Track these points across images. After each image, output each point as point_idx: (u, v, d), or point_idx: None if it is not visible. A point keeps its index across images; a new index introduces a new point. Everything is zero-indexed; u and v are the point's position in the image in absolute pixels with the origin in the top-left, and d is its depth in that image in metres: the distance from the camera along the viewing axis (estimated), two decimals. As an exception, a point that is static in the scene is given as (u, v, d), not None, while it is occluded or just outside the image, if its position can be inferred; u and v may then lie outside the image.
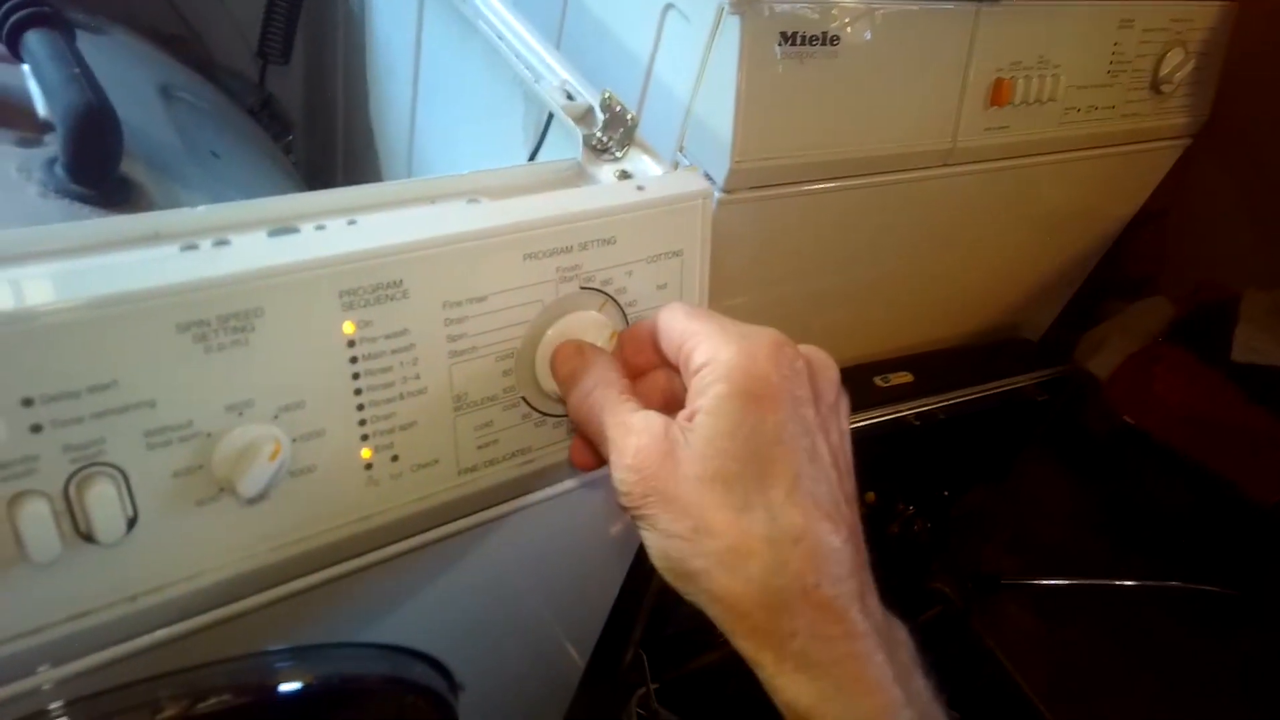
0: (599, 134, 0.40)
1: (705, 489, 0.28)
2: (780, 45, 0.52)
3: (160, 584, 0.30)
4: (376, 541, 0.36)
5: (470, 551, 0.42)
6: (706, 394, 0.29)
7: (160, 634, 0.33)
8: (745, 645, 0.29)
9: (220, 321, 0.28)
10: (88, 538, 0.28)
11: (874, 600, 0.30)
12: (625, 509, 0.31)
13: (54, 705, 0.35)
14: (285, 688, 0.41)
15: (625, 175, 0.39)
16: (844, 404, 0.33)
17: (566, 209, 0.35)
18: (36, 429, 0.26)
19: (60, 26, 0.44)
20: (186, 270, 0.28)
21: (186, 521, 0.30)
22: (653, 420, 0.30)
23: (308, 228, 0.32)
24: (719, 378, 0.29)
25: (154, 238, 0.30)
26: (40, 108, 0.43)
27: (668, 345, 0.33)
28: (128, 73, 0.53)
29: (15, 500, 0.26)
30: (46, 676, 0.32)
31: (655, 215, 0.37)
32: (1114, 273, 0.89)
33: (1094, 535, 1.03)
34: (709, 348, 0.30)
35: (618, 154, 0.40)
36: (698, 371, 0.30)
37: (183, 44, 0.67)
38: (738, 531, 0.28)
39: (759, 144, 0.54)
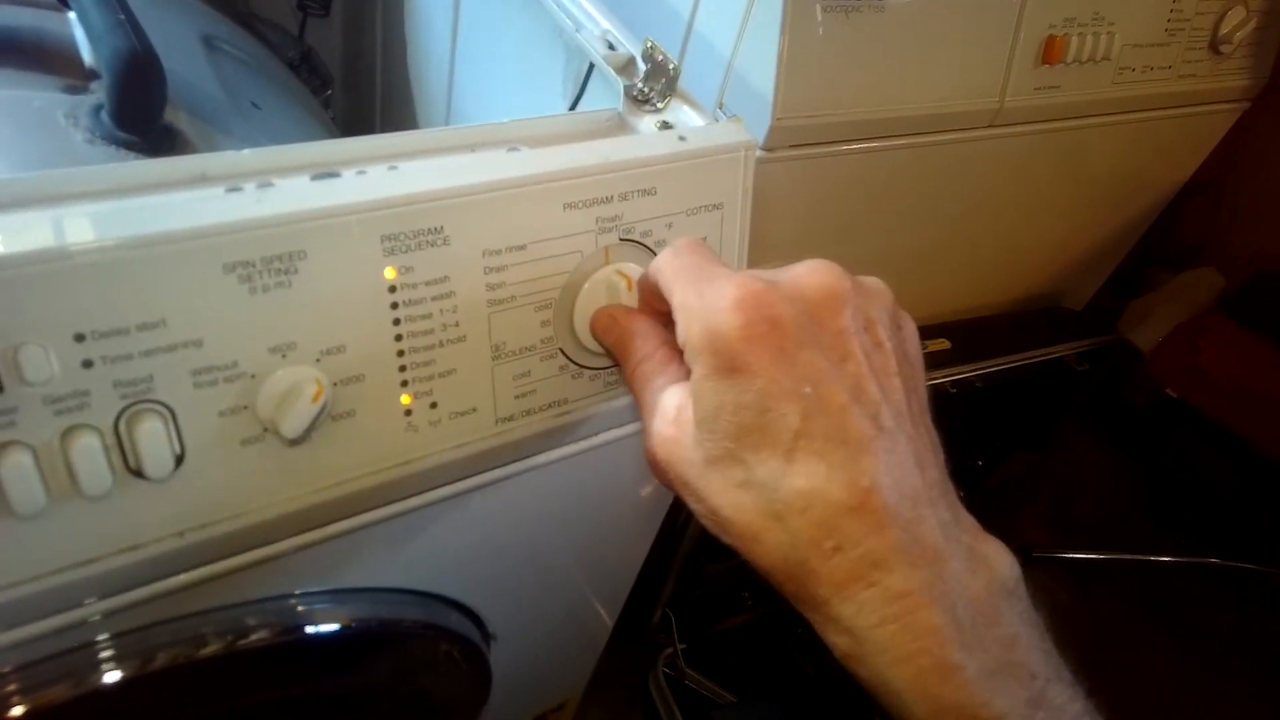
0: (640, 84, 0.40)
1: (705, 474, 0.27)
2: (825, -2, 0.50)
3: (206, 521, 0.31)
4: (414, 488, 0.37)
5: (505, 502, 0.42)
6: (692, 377, 0.28)
7: (204, 570, 0.34)
8: (793, 605, 0.28)
9: (265, 263, 0.29)
10: (138, 473, 0.29)
11: (936, 536, 0.26)
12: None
13: (100, 637, 0.36)
14: (323, 629, 0.42)
15: (666, 126, 0.39)
16: (875, 312, 0.29)
17: (607, 158, 0.34)
18: (88, 364, 0.27)
19: (106, -27, 0.44)
20: (232, 210, 0.28)
21: (232, 461, 0.31)
22: (668, 403, 0.29)
23: (349, 173, 0.32)
24: (693, 359, 0.27)
25: (201, 179, 0.30)
26: (86, 55, 0.44)
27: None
28: (171, 22, 0.53)
29: (68, 434, 0.27)
30: (94, 609, 0.33)
31: (697, 166, 0.36)
32: (1162, 241, 0.86)
33: (1132, 509, 1.02)
34: (682, 323, 0.28)
35: (659, 105, 0.40)
36: (683, 350, 0.28)
37: (224, -3, 0.67)
38: (744, 513, 0.27)
39: (801, 101, 0.53)
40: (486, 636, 0.51)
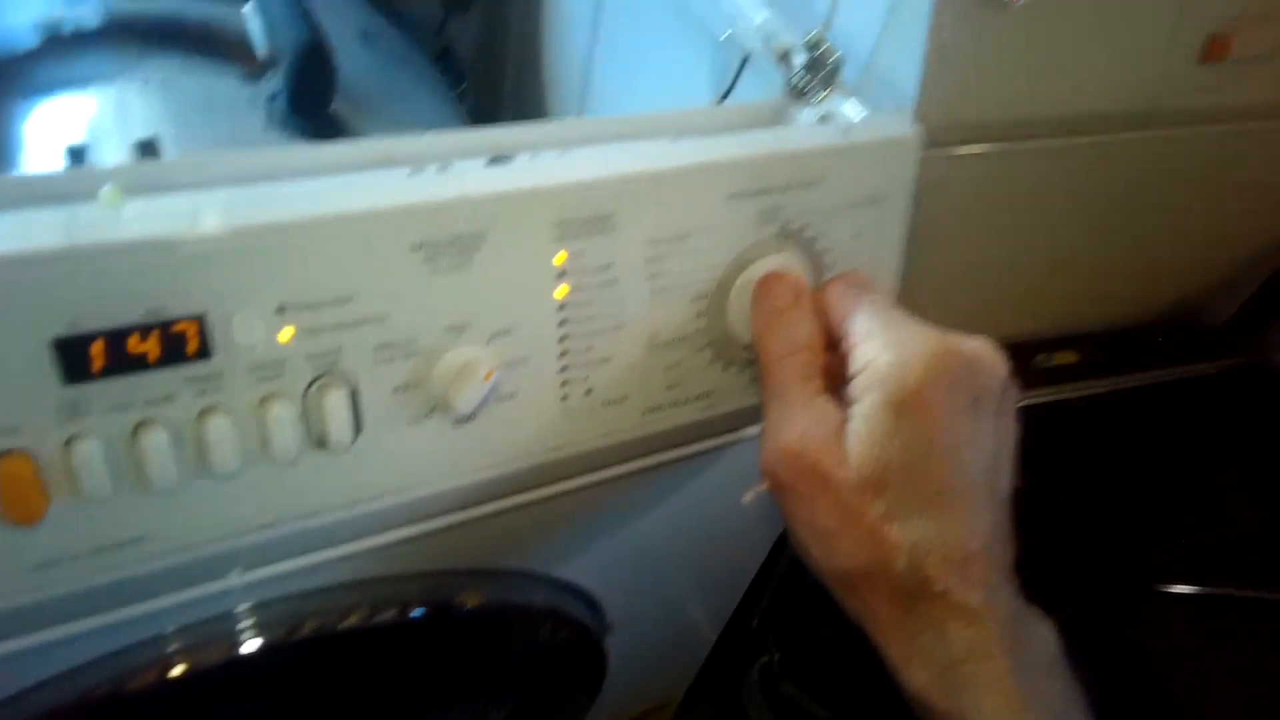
0: (799, 76, 0.39)
1: (857, 493, 0.29)
2: (979, -10, 0.49)
3: (374, 494, 0.32)
4: (560, 474, 0.37)
5: (641, 493, 0.42)
6: (863, 400, 0.30)
7: (360, 544, 0.35)
8: (872, 630, 0.31)
9: (449, 243, 0.29)
10: (320, 443, 0.30)
11: (1007, 600, 0.30)
12: (768, 481, 0.32)
13: (245, 606, 0.38)
14: (457, 609, 0.43)
15: (826, 118, 0.38)
16: (1009, 398, 0.32)
17: (774, 148, 0.34)
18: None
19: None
20: (420, 191, 0.29)
21: (402, 437, 0.31)
22: (830, 411, 0.31)
23: (522, 157, 0.33)
24: (872, 385, 0.30)
25: (387, 160, 0.31)
26: (260, 46, 0.46)
27: (834, 330, 0.33)
28: (333, 17, 0.55)
29: (264, 401, 0.28)
30: (258, 574, 0.34)
31: (862, 159, 0.36)
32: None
33: (1270, 545, 0.95)
34: (867, 350, 0.30)
35: (818, 97, 0.39)
36: (855, 375, 0.30)
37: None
38: (879, 540, 0.29)
39: (945, 98, 0.51)
40: (604, 626, 0.51)
